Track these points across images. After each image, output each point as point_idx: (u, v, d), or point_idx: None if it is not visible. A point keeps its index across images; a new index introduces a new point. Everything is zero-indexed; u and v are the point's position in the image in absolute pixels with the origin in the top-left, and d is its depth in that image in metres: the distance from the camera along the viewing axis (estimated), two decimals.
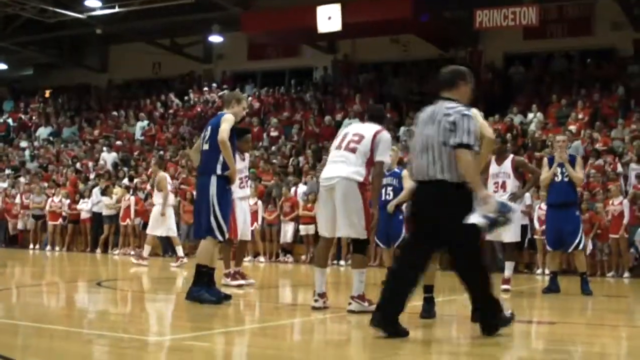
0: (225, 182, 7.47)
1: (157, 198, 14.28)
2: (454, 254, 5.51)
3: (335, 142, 7.01)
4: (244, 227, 9.81)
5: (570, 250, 9.94)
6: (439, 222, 5.34)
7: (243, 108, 7.92)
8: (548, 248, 10.51)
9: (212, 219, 7.40)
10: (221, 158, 7.40)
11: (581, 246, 9.92)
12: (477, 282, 5.45)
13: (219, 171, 7.43)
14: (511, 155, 9.84)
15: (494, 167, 9.50)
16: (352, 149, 6.81)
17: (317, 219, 7.25)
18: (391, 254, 11.33)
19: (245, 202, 10.05)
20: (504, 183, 9.54)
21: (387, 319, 5.33)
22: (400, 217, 10.97)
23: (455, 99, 5.50)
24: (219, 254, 8.73)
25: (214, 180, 7.44)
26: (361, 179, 6.77)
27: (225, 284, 9.29)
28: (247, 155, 10.02)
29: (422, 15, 20.95)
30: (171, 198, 14.53)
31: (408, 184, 11.01)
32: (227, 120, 7.46)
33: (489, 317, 5.48)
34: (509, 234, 9.32)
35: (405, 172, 11.23)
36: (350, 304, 6.82)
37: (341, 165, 6.78)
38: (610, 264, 14.80)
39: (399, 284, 5.43)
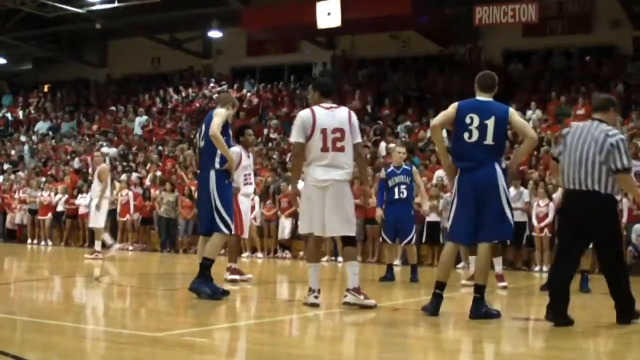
0: (224, 176, 7.48)
1: (96, 189, 14.15)
2: (602, 255, 6.39)
3: (317, 142, 6.76)
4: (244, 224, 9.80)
5: None
6: (592, 227, 6.15)
7: (233, 114, 8.03)
8: None
9: (215, 214, 7.43)
10: (219, 152, 7.41)
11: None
12: (620, 280, 6.23)
13: (217, 165, 7.45)
14: None
15: None
16: (340, 148, 6.79)
17: (302, 217, 7.07)
18: (396, 250, 11.26)
19: (248, 199, 10.01)
20: None
21: (558, 312, 6.06)
22: (412, 213, 10.92)
23: (605, 121, 6.26)
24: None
25: (212, 174, 7.46)
26: (351, 177, 7.00)
27: (230, 279, 9.34)
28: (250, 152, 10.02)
29: (422, 17, 20.96)
30: (108, 191, 14.55)
31: (418, 179, 11.00)
32: (219, 114, 7.48)
33: (626, 310, 6.22)
34: None
35: (415, 169, 11.20)
36: (345, 295, 6.83)
37: (334, 169, 6.80)
38: None
39: (560, 279, 6.19)
